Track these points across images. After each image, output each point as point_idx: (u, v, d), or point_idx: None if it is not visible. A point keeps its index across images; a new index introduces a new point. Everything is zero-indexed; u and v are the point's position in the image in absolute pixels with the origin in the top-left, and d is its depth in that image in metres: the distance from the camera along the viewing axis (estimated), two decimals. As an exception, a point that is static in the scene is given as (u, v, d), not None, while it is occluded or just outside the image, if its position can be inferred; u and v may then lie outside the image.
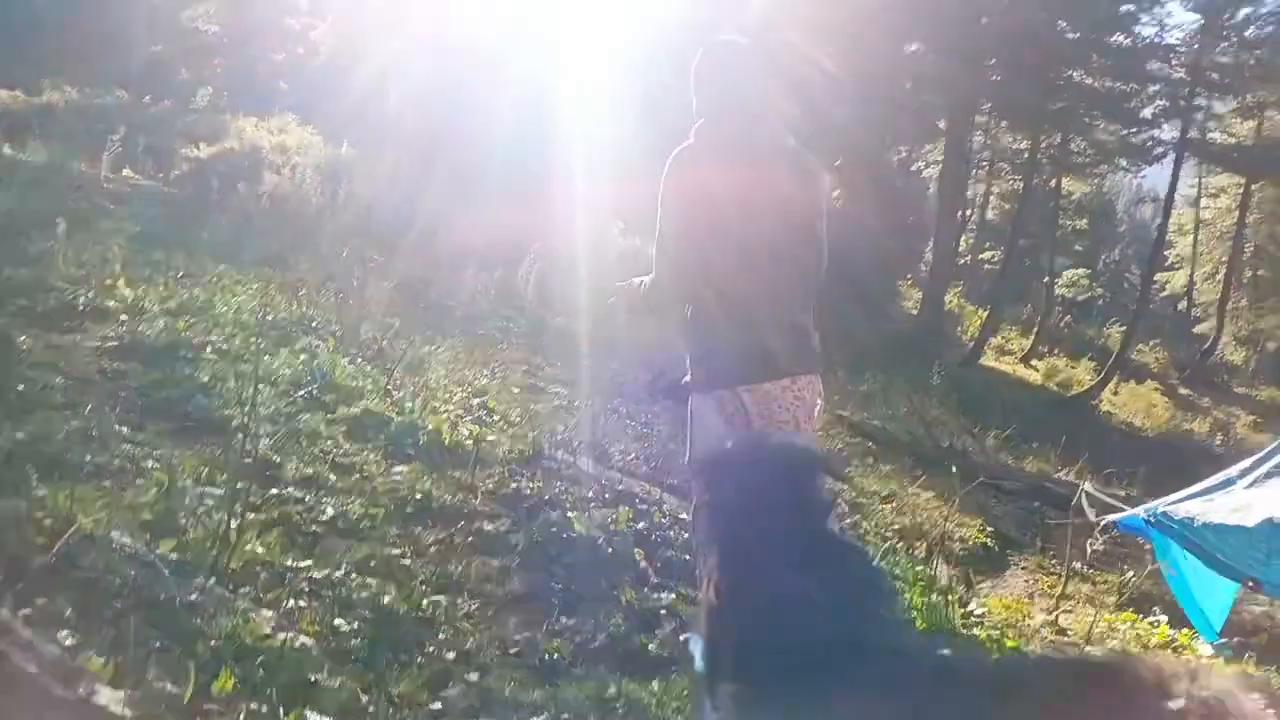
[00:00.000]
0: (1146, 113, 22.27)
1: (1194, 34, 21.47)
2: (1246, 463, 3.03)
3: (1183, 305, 35.26)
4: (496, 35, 15.72)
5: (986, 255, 34.32)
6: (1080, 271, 32.27)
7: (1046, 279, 29.60)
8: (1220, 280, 32.97)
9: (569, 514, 3.67)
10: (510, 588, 3.13)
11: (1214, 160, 24.86)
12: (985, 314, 26.03)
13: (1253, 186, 30.56)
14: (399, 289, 8.07)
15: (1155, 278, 37.64)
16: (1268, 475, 2.76)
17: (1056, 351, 30.50)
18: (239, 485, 2.90)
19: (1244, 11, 20.88)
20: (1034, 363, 28.48)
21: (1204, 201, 31.22)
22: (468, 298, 8.89)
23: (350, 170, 12.09)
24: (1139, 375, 28.17)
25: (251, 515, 2.95)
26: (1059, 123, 22.24)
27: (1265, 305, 34.09)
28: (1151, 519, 2.96)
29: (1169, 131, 22.66)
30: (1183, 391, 28.82)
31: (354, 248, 8.13)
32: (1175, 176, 23.89)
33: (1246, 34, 21.29)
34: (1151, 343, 28.67)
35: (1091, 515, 4.52)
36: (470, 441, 4.37)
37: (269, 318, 5.43)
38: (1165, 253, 37.32)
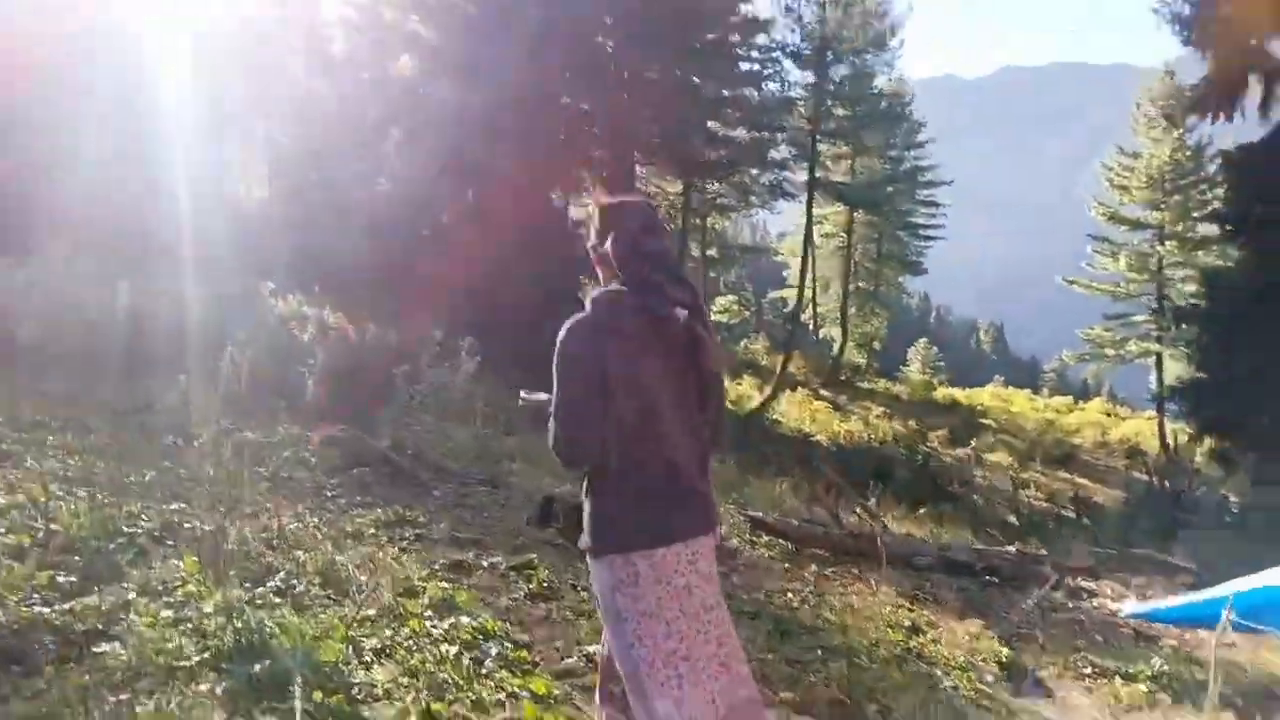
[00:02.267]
0: (777, 155, 25.06)
1: (809, 90, 24.65)
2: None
3: (806, 316, 40.03)
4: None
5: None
6: (731, 298, 35.49)
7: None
8: (837, 294, 38.30)
9: None
10: None
11: (833, 195, 28.72)
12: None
13: (854, 214, 35.95)
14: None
15: (779, 294, 42.68)
16: None
17: (718, 372, 33.35)
18: None
19: (842, 72, 24.38)
20: (703, 385, 30.80)
21: (817, 228, 35.76)
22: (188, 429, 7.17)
23: None
24: (789, 383, 31.49)
25: None
26: (708, 170, 24.31)
27: (868, 311, 40.33)
28: None
29: (799, 173, 25.68)
30: (824, 393, 32.84)
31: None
32: (810, 211, 27.14)
33: (845, 90, 24.89)
34: (793, 353, 32.01)
35: (1131, 605, 4.44)
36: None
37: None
38: (784, 273, 42.66)
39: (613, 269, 2.43)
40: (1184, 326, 24.24)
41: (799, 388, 32.15)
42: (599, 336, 2.31)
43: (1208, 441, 19.33)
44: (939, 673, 4.04)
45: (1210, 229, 28.65)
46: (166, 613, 3.43)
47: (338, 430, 7.47)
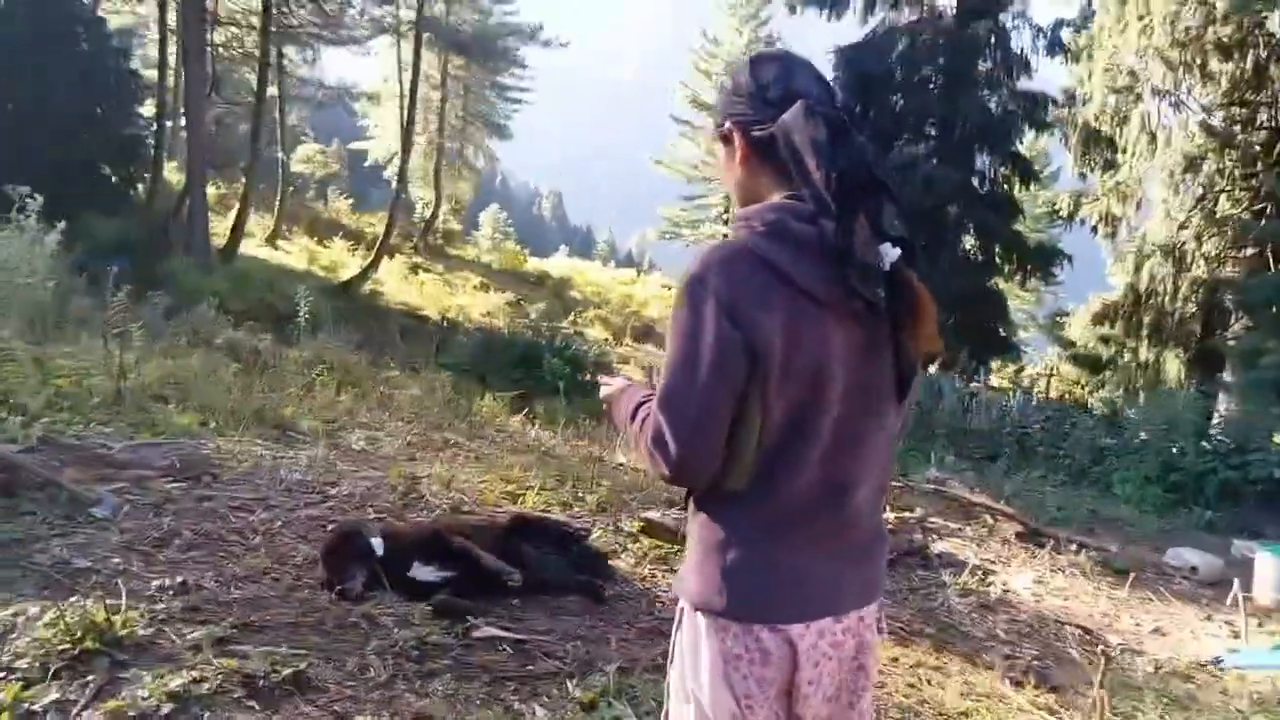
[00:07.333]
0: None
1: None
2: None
3: (388, 174, 36.71)
4: None
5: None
6: (315, 147, 30.85)
7: (282, 154, 27.52)
8: (425, 151, 35.38)
9: None
10: None
11: (447, 42, 25.77)
12: (238, 197, 23.10)
13: (446, 65, 33.04)
14: None
15: (359, 145, 38.52)
16: None
17: (295, 230, 29.18)
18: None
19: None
20: (280, 244, 26.71)
21: (405, 76, 32.41)
22: None
23: None
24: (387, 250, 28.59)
25: None
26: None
27: (455, 173, 38.16)
28: None
29: (406, 11, 22.62)
30: (419, 261, 30.49)
31: None
32: (417, 55, 24.16)
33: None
34: (395, 216, 29.06)
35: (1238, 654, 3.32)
36: None
37: None
38: (361, 123, 38.42)
39: (768, 169, 1.50)
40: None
41: (394, 254, 29.41)
42: (755, 287, 1.38)
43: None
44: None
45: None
46: None
47: None
